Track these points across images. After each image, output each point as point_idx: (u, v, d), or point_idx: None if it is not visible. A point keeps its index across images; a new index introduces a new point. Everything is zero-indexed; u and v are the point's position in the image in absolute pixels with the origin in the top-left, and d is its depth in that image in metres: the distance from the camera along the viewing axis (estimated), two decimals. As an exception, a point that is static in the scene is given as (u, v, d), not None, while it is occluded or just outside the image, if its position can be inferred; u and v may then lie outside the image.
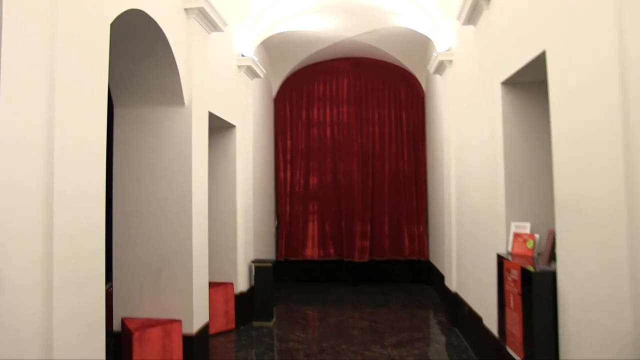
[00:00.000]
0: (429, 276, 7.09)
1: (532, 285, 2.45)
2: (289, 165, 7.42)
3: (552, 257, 2.52)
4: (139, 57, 3.27)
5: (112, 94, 3.47)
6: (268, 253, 6.91)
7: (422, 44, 6.64)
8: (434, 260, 6.86)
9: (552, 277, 2.39)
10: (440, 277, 6.22)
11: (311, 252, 7.37)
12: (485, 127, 3.65)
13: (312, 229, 7.38)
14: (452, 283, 5.09)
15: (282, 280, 7.27)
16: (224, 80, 4.74)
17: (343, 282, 7.24)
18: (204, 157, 3.81)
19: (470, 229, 4.30)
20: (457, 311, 4.98)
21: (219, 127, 4.94)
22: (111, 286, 3.56)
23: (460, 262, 4.85)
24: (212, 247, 4.95)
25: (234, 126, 5.00)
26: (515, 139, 3.17)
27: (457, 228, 4.96)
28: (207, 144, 3.96)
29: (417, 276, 7.24)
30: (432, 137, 6.87)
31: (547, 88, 2.47)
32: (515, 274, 2.75)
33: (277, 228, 7.44)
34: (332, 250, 7.35)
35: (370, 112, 7.32)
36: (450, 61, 4.95)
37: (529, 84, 3.14)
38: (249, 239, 5.37)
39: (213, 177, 4.97)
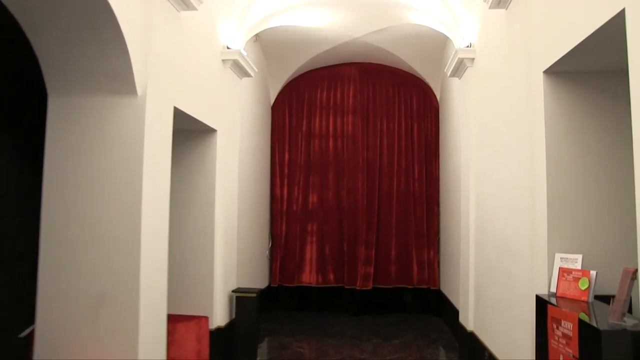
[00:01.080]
0: (439, 307, 6.26)
1: (602, 349, 1.66)
2: (286, 181, 6.68)
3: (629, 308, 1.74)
4: (77, 32, 2.56)
5: (46, 79, 2.76)
6: (259, 278, 6.13)
7: (438, 48, 5.92)
8: (446, 290, 6.03)
9: (631, 338, 1.61)
10: (453, 309, 5.41)
11: (309, 277, 6.58)
12: (519, 133, 2.90)
13: (311, 252, 6.60)
14: (469, 320, 4.28)
15: (275, 309, 6.48)
16: (204, 75, 4.04)
17: (344, 311, 6.42)
18: (163, 162, 3.06)
19: (495, 260, 3.50)
20: (474, 354, 4.16)
21: (195, 131, 4.23)
22: (33, 329, 2.80)
23: (479, 298, 4.04)
24: (182, 273, 4.21)
25: (214, 130, 4.28)
26: (561, 144, 2.41)
27: (476, 257, 4.17)
28: (170, 146, 3.22)
29: (426, 307, 6.41)
30: (446, 153, 6.09)
31: (598, 79, 1.72)
32: (567, 327, 1.96)
33: (271, 250, 6.66)
34: (332, 276, 6.55)
35: (378, 123, 6.58)
36: (472, 59, 4.23)
37: (581, 73, 2.38)
38: (231, 264, 4.60)
39: (185, 190, 4.23)
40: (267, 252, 6.57)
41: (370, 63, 6.68)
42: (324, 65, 6.73)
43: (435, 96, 6.60)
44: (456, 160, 5.26)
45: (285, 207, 6.65)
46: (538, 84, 2.50)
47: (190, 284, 4.27)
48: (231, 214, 4.62)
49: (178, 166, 4.22)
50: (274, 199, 6.65)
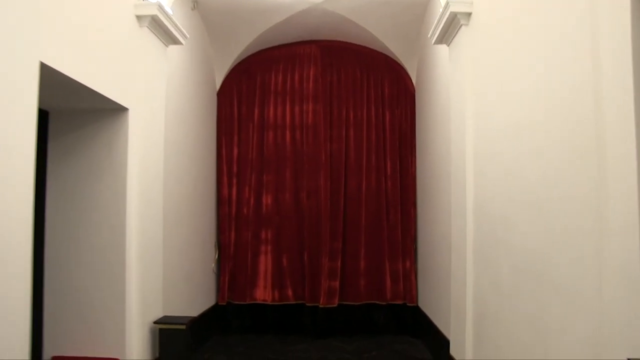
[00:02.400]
0: (417, 327, 5.31)
1: None
2: (235, 180, 5.61)
3: None
4: None
5: None
6: (204, 296, 5.05)
7: (416, 19, 4.99)
8: (426, 306, 5.09)
9: None
10: (435, 331, 4.48)
11: (263, 294, 5.53)
12: (573, 96, 1.93)
13: (265, 263, 5.55)
14: (465, 353, 3.31)
15: (223, 332, 5.42)
16: (107, 32, 2.97)
17: (305, 333, 5.40)
18: (20, 147, 2.00)
19: (514, 285, 2.53)
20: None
21: (96, 111, 3.15)
22: None
23: (483, 330, 3.07)
24: (82, 303, 3.13)
25: (124, 109, 3.21)
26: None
27: (476, 275, 3.20)
28: (36, 120, 2.15)
29: (402, 326, 5.45)
30: (426, 145, 5.15)
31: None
32: None
33: (218, 262, 5.59)
34: (290, 292, 5.52)
35: (343, 112, 5.59)
36: (468, 15, 3.27)
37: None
38: (153, 287, 3.53)
39: (82, 193, 3.15)
40: (213, 264, 5.49)
41: (334, 41, 5.69)
42: (280, 43, 5.71)
43: (410, 79, 5.65)
44: (442, 154, 4.32)
45: (234, 211, 5.59)
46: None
47: (93, 317, 3.19)
48: (153, 223, 3.56)
49: (70, 159, 3.13)
50: (220, 201, 5.58)
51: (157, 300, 3.57)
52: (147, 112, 3.45)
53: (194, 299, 4.77)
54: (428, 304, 5.03)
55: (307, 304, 5.45)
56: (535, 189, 2.26)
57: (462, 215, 3.37)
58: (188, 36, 4.04)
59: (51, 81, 2.47)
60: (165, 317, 3.62)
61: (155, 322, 3.47)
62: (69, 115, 3.23)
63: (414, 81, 5.64)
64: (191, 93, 4.75)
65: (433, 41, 3.92)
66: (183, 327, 3.44)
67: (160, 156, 3.67)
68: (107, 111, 3.19)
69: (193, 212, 4.80)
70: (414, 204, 5.51)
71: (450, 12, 3.34)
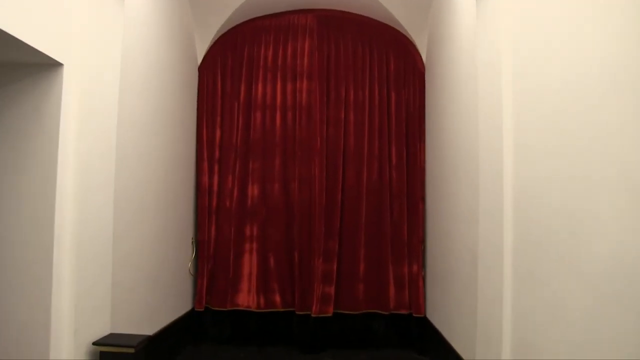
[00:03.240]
0: (425, 341, 4.58)
1: None
2: (216, 167, 4.87)
3: None
4: None
5: None
6: (178, 301, 4.31)
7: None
8: (436, 317, 4.36)
9: None
10: (444, 346, 3.80)
11: (246, 299, 4.79)
12: None
13: (250, 264, 4.82)
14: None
15: (200, 342, 4.69)
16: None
17: (293, 346, 4.68)
18: None
19: (598, 312, 1.78)
20: None
21: (21, 65, 2.42)
22: None
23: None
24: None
25: (58, 64, 2.48)
26: None
27: (518, 292, 2.44)
28: None
29: (406, 340, 4.71)
30: (437, 131, 4.42)
31: None
32: None
33: (196, 262, 4.85)
34: (277, 298, 4.79)
35: (342, 92, 4.85)
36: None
37: None
38: (95, 296, 2.78)
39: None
40: (190, 264, 4.75)
41: (333, 10, 4.95)
42: (270, 12, 4.96)
43: (420, 56, 4.91)
44: (461, 140, 3.59)
45: (215, 203, 4.85)
46: None
47: (6, 334, 2.45)
48: (98, 213, 2.82)
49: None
50: (199, 191, 4.84)
51: (100, 312, 2.83)
52: (90, 71, 2.71)
53: (161, 305, 4.04)
54: (438, 316, 4.29)
55: (297, 312, 4.71)
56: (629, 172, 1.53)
57: (494, 215, 2.61)
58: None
59: None
60: (110, 335, 2.87)
61: (95, 343, 2.72)
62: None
63: (423, 58, 4.90)
64: (165, 64, 4.02)
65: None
66: (132, 350, 2.69)
67: (110, 129, 2.94)
68: (35, 67, 2.46)
69: (164, 203, 4.06)
70: (422, 199, 4.77)
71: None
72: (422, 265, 4.74)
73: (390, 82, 4.89)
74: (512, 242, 2.42)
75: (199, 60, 4.94)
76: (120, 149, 3.11)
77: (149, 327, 3.72)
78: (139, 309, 3.55)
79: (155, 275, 3.90)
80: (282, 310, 4.79)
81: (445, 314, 4.07)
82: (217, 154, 4.87)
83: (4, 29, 2.04)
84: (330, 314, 4.65)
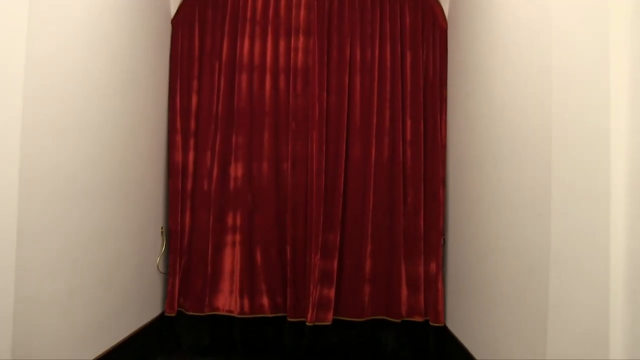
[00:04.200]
0: (444, 355, 3.75)
1: None
2: (192, 141, 4.00)
3: None
4: None
5: None
6: (141, 305, 3.46)
7: None
8: (459, 327, 3.53)
9: None
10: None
11: (228, 302, 3.95)
12: None
13: (232, 259, 3.96)
14: None
15: (170, 353, 3.85)
16: None
17: (284, 359, 3.85)
18: None
19: None
20: None
21: None
22: None
23: None
24: None
25: None
26: None
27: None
28: None
29: (421, 353, 3.88)
30: (465, 97, 3.55)
31: None
32: None
33: (166, 256, 4.00)
34: (266, 301, 3.94)
35: (346, 51, 3.95)
36: None
37: None
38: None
39: None
40: (158, 259, 3.90)
41: (337, -50, 4.05)
42: (261, -48, 4.06)
43: (441, 8, 4.02)
44: (511, 108, 2.71)
45: (190, 185, 3.99)
46: None
47: None
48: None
49: None
50: (171, 170, 3.97)
51: None
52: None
53: (119, 313, 3.19)
54: (462, 325, 3.45)
55: (289, 319, 3.87)
56: None
57: (594, 204, 1.74)
58: None
59: None
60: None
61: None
62: None
63: (446, 11, 4.02)
64: (127, 13, 3.12)
65: None
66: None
67: (14, 80, 2.06)
68: None
69: (123, 186, 3.20)
70: (443, 182, 3.90)
71: None
72: (442, 263, 3.88)
73: (405, 40, 3.99)
74: (625, 246, 1.55)
75: (173, 11, 4.04)
76: (39, 112, 2.23)
77: (101, 342, 2.88)
78: (83, 322, 2.69)
79: (107, 277, 3.05)
80: (271, 316, 3.94)
81: (471, 324, 3.22)
82: (192, 125, 4.00)
83: None
84: (329, 322, 3.81)
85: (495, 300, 2.83)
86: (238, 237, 3.93)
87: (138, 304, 3.55)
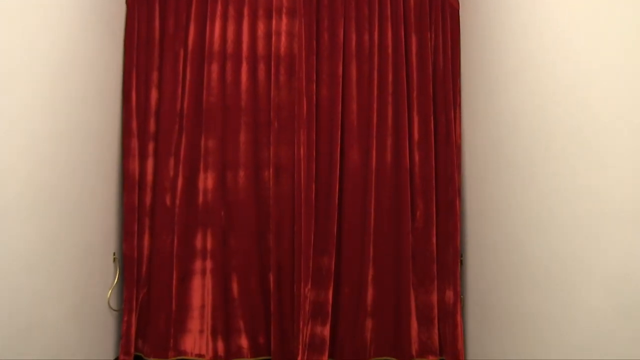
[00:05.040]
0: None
1: None
2: (151, 146, 3.25)
3: None
4: None
5: None
6: (93, 349, 2.66)
7: None
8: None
9: None
10: None
11: (197, 344, 3.18)
12: None
13: (202, 291, 3.21)
14: None
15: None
16: None
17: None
18: None
19: None
20: None
21: None
22: None
23: None
24: None
25: None
26: None
27: None
28: None
29: (433, 400, 3.16)
30: (484, 91, 2.88)
31: None
32: None
33: (120, 289, 3.22)
34: (244, 342, 3.19)
35: (339, 34, 3.25)
36: None
37: None
38: None
39: None
40: (109, 293, 3.12)
41: None
42: None
43: (452, -17, 3.37)
44: (517, 100, 2.04)
45: (148, 200, 3.23)
46: None
47: None
48: None
49: None
50: (126, 181, 3.20)
51: None
52: None
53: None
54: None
55: (274, 363, 3.12)
56: None
57: None
58: None
59: None
60: None
61: None
62: None
63: (457, -11, 3.37)
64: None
65: None
66: None
67: None
68: None
69: (59, 200, 2.45)
70: (458, 191, 3.21)
71: None
72: (461, 290, 3.18)
73: (410, 21, 3.31)
74: None
75: (127, -12, 3.32)
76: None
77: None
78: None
79: (39, 319, 2.27)
80: None
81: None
82: (152, 126, 3.25)
83: None
84: (323, 366, 3.07)
85: (530, 338, 2.14)
86: (209, 264, 3.18)
87: (83, 351, 2.77)
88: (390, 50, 3.26)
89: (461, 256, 3.19)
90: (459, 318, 3.12)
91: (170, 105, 3.23)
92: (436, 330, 3.17)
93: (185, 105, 3.21)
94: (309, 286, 3.05)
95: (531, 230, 2.27)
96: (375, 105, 3.21)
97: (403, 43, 3.27)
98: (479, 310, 2.98)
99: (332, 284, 3.11)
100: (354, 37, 3.26)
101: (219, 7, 3.25)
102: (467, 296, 3.17)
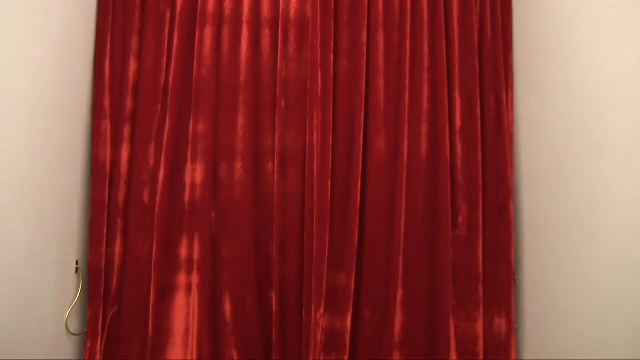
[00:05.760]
0: None
1: None
2: (126, 129, 2.60)
3: None
4: None
5: None
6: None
7: None
8: None
9: None
10: None
11: (180, 379, 2.53)
12: None
13: (186, 311, 2.56)
14: None
15: None
16: None
17: None
18: None
19: None
20: None
21: None
22: None
23: None
24: None
25: None
26: None
27: None
28: None
29: None
30: (542, 63, 2.23)
31: None
32: None
33: (84, 307, 2.57)
34: (239, 377, 2.53)
35: (363, -4, 2.62)
36: None
37: None
38: None
39: None
40: (67, 312, 2.46)
41: None
42: None
43: None
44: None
45: (122, 196, 2.58)
46: None
47: None
48: None
49: None
50: (95, 173, 2.55)
51: None
52: None
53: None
54: None
55: (275, 405, 2.45)
56: None
57: None
58: None
59: None
60: None
61: None
62: None
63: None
64: None
65: None
66: None
67: None
68: None
69: (3, 194, 1.81)
70: (511, 193, 2.54)
71: None
72: (515, 317, 2.50)
73: (450, -19, 2.67)
74: None
75: None
76: None
77: None
78: None
79: None
80: (247, 399, 2.53)
81: None
82: (129, 104, 2.61)
83: None
84: (337, 411, 2.40)
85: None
86: (196, 278, 2.53)
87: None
88: (426, 16, 2.61)
89: (515, 274, 2.52)
90: (513, 355, 2.44)
91: (152, 79, 2.59)
92: (481, 367, 2.50)
93: (170, 80, 2.58)
94: (322, 310, 2.39)
95: (608, 244, 1.63)
96: (407, 83, 2.56)
97: (442, 7, 2.62)
98: (539, 345, 2.31)
99: (351, 308, 2.44)
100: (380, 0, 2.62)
101: (215, -40, 2.62)
102: (522, 326, 2.49)
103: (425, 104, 2.58)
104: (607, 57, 1.83)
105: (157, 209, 2.52)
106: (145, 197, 2.56)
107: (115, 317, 2.55)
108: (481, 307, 2.50)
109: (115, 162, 2.57)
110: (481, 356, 2.49)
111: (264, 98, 2.59)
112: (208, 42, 2.58)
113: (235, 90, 2.58)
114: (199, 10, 2.59)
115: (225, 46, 2.59)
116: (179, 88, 2.58)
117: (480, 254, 2.51)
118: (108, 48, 2.59)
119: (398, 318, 2.50)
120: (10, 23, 1.91)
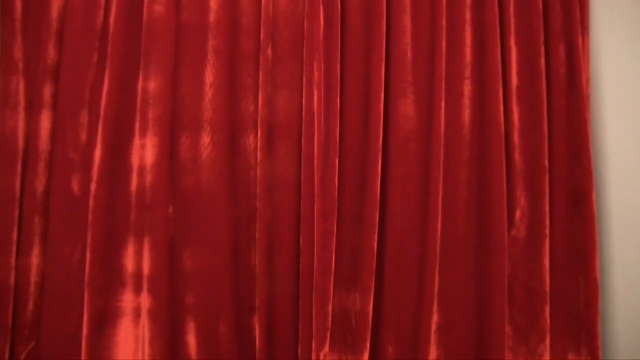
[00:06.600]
0: None
1: None
2: (46, 89, 1.85)
3: None
4: None
5: None
6: None
7: None
8: None
9: None
10: None
11: None
12: None
13: (135, 346, 1.83)
14: None
15: None
16: None
17: None
18: None
19: None
20: None
21: None
22: None
23: None
24: None
25: None
26: None
27: None
28: None
29: None
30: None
31: None
32: None
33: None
34: None
35: None
36: None
37: None
38: None
39: None
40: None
41: None
42: None
43: None
44: None
45: (41, 184, 1.83)
46: None
47: None
48: None
49: None
50: (4, 151, 1.80)
51: None
52: None
53: None
54: None
55: None
56: None
57: None
58: None
59: None
60: None
61: None
62: None
63: None
64: None
65: None
66: None
67: None
68: None
69: None
70: (592, 180, 1.82)
71: None
72: (599, 354, 1.80)
73: None
74: None
75: None
76: None
77: None
78: None
79: None
80: None
81: None
82: (51, 53, 1.86)
83: None
84: None
85: None
86: (147, 299, 1.80)
87: None
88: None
89: (600, 291, 1.81)
90: (596, 407, 1.74)
91: (85, 19, 1.84)
92: None
93: (111, 19, 1.83)
94: (326, 349, 1.67)
95: None
96: (443, 23, 1.84)
97: None
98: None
99: (368, 344, 1.72)
100: None
101: None
102: (608, 364, 1.79)
103: (468, 55, 1.88)
104: None
105: (91, 203, 1.77)
106: (75, 186, 1.82)
107: (31, 356, 1.80)
108: (548, 339, 1.80)
109: (30, 136, 1.83)
110: (549, 407, 1.78)
111: (243, 44, 1.85)
112: (163, -33, 1.83)
113: (201, 34, 1.84)
114: None
115: (189, -26, 1.85)
116: (123, 31, 1.84)
117: (547, 263, 1.81)
118: (21, -25, 1.83)
119: (432, 354, 1.78)
120: None
